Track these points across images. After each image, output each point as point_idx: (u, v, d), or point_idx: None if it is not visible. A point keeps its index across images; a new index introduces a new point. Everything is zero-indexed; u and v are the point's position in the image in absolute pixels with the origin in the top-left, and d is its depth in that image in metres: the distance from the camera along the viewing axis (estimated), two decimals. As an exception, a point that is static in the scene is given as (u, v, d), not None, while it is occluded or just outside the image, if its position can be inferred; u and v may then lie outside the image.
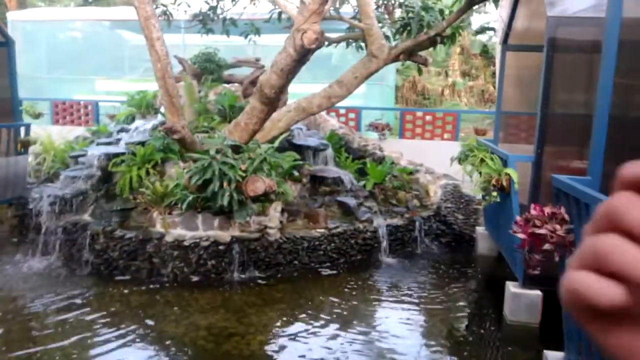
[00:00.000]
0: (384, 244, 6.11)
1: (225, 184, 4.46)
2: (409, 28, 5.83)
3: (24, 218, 6.65)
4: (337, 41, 6.34)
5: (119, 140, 6.83)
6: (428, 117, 8.77)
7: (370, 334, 4.31)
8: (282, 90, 4.51)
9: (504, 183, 4.77)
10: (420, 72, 7.03)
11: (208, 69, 7.59)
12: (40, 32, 15.34)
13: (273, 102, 4.55)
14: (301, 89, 8.25)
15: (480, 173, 5.25)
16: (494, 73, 27.19)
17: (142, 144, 6.27)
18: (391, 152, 7.73)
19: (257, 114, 4.70)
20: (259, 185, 4.53)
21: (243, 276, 5.32)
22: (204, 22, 8.59)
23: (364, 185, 6.90)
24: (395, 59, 6.02)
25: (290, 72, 4.30)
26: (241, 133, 4.84)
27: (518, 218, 3.49)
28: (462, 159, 5.79)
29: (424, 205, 7.06)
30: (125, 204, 5.77)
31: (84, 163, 6.34)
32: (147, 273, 5.26)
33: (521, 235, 3.32)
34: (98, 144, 6.90)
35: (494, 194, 4.87)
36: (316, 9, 3.80)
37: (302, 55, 4.15)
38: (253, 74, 7.94)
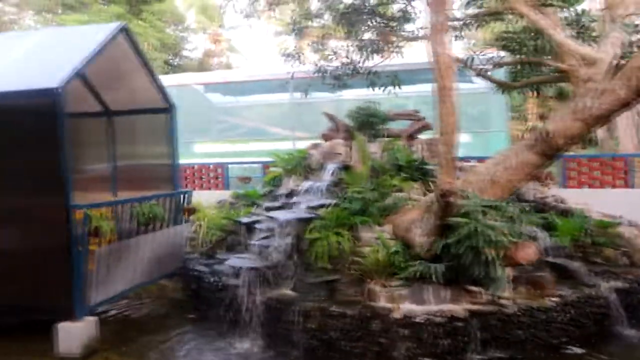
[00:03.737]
0: (619, 311, 5.24)
1: (490, 251, 3.83)
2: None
3: (196, 292, 6.20)
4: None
5: (291, 204, 6.39)
6: (594, 163, 8.00)
7: None
8: (577, 141, 3.94)
9: None
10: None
11: (369, 123, 7.18)
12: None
13: (556, 155, 3.98)
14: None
15: None
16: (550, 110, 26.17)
17: (326, 206, 5.79)
18: (575, 204, 6.95)
19: (528, 169, 4.13)
20: (530, 251, 3.90)
21: (482, 357, 4.58)
22: (339, 77, 8.34)
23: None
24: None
25: (601, 118, 3.75)
26: (498, 191, 4.27)
27: None
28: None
29: (635, 263, 6.17)
30: (327, 274, 5.21)
31: (265, 230, 5.88)
32: (375, 356, 4.60)
33: None
34: (269, 209, 6.48)
35: None
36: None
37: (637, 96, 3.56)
38: (413, 126, 7.48)
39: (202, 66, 30.64)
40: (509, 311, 4.70)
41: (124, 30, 5.54)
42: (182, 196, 6.84)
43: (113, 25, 5.44)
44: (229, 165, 10.15)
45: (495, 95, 8.17)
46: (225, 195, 9.22)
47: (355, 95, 11.81)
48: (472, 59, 6.27)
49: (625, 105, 3.71)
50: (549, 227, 6.63)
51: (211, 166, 10.10)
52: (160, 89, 6.43)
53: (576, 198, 7.26)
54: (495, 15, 5.02)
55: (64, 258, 4.87)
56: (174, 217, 6.65)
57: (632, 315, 5.40)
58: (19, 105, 4.72)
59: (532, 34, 5.15)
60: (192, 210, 6.85)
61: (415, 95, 13.05)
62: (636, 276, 5.76)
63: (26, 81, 4.77)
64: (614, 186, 7.87)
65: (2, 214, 5.08)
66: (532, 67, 5.99)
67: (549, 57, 5.45)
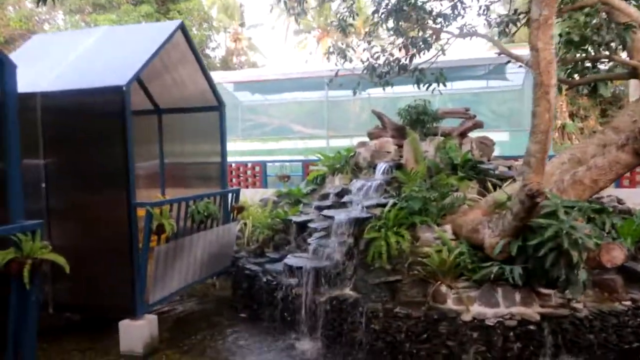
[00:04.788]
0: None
1: (576, 253, 3.69)
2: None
3: (248, 291, 6.16)
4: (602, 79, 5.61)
5: (342, 203, 6.30)
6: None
7: None
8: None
9: None
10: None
11: (420, 121, 7.06)
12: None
13: None
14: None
15: None
16: (603, 111, 25.61)
17: (383, 205, 5.70)
18: (633, 204, 6.75)
19: (618, 169, 3.99)
20: (616, 254, 3.75)
21: (547, 360, 4.45)
22: (382, 75, 8.20)
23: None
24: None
25: None
26: (579, 191, 4.13)
27: None
28: None
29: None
30: (387, 275, 5.12)
31: (320, 229, 5.81)
32: (442, 359, 4.50)
33: None
34: (320, 208, 6.41)
35: None
36: None
37: None
38: (464, 125, 7.34)
39: (224, 64, 30.78)
40: (580, 315, 4.57)
41: (181, 29, 5.52)
42: (230, 194, 6.82)
43: (172, 24, 5.43)
44: (268, 164, 10.11)
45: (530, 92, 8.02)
46: (264, 193, 9.19)
47: (385, 94, 11.70)
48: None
49: None
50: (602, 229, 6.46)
51: (249, 164, 10.06)
52: (212, 87, 6.40)
53: (633, 198, 7.06)
54: (579, 9, 4.86)
55: (127, 256, 4.87)
56: (224, 215, 6.63)
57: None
58: (84, 103, 4.72)
59: (597, 29, 4.98)
60: (240, 209, 6.82)
61: (452, 93, 12.90)
62: None
63: (90, 80, 4.77)
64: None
65: (66, 210, 5.10)
66: (592, 64, 5.81)
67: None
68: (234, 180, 9.94)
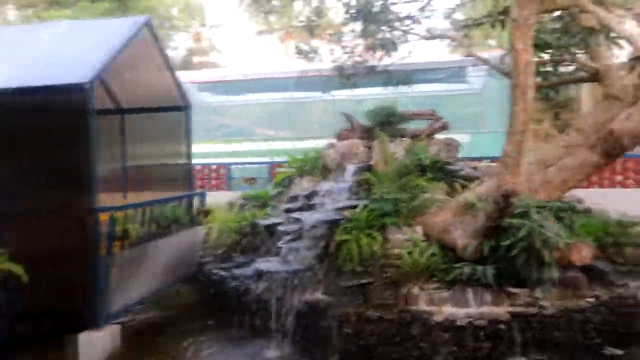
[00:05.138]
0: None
1: (547, 252, 3.76)
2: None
3: (215, 297, 6.00)
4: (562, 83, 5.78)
5: (313, 205, 6.23)
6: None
7: None
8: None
9: None
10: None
11: (389, 123, 7.07)
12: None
13: (620, 155, 3.95)
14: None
15: None
16: (556, 115, 26.62)
17: (354, 207, 5.67)
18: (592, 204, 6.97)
19: (588, 170, 4.08)
20: (585, 253, 3.84)
21: (524, 360, 4.52)
22: (347, 75, 8.22)
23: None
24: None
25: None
26: (551, 192, 4.21)
27: None
28: None
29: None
30: (359, 277, 5.08)
31: (290, 232, 5.72)
32: (416, 361, 4.50)
33: None
34: (289, 210, 6.31)
35: None
36: None
37: None
38: (431, 127, 7.40)
39: (185, 65, 30.19)
40: (547, 312, 4.66)
41: (147, 25, 5.31)
42: (196, 198, 6.63)
43: (137, 20, 5.22)
44: (231, 166, 9.92)
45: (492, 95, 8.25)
46: (229, 196, 9.00)
47: (350, 96, 11.74)
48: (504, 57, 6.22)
49: None
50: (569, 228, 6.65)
51: (214, 166, 9.85)
52: (179, 87, 6.21)
53: (591, 198, 7.30)
54: (550, 12, 4.97)
55: (88, 263, 4.63)
56: (190, 219, 6.43)
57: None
58: (44, 101, 4.47)
59: (563, 33, 5.13)
60: (207, 212, 6.64)
61: (415, 96, 13.05)
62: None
63: (49, 76, 4.51)
64: (624, 186, 7.95)
65: (24, 215, 4.81)
66: (554, 67, 5.97)
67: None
68: (199, 182, 9.71)
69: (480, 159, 8.84)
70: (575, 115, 9.90)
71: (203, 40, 34.40)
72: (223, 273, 6.04)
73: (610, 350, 4.76)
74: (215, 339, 5.40)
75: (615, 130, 4.00)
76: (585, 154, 4.05)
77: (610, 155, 4.06)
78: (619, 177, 8.00)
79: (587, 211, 6.84)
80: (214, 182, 9.68)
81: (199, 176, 9.77)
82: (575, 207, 4.37)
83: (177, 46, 30.45)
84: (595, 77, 5.24)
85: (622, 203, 7.01)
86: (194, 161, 6.67)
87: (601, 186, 8.04)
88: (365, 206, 5.46)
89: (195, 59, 33.22)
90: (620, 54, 6.21)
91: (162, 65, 5.92)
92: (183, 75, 15.31)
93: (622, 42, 5.16)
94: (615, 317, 5.02)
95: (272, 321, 5.00)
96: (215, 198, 8.88)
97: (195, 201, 6.65)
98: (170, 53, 27.44)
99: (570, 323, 4.75)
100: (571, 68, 5.95)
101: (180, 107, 6.40)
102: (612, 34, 4.94)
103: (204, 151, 14.81)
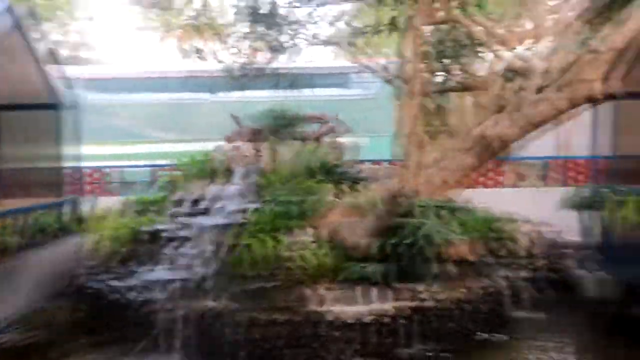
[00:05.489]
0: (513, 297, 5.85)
1: (431, 250, 4.04)
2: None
3: (98, 312, 5.53)
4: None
5: (201, 209, 6.01)
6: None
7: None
8: (511, 144, 4.26)
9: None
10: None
11: (279, 125, 7.08)
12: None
13: (492, 157, 4.29)
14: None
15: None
16: (427, 122, 28.80)
17: (244, 211, 5.59)
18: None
19: (465, 171, 4.39)
20: (463, 249, 4.18)
21: (411, 351, 4.80)
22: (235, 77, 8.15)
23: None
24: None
25: (538, 125, 4.09)
26: (432, 191, 4.48)
27: None
28: (583, 204, 5.82)
29: (532, 254, 6.94)
30: (252, 282, 5.01)
31: (178, 238, 5.46)
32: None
33: None
34: (176, 215, 6.03)
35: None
36: (609, 59, 3.69)
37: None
38: (320, 130, 7.55)
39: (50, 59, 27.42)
40: (430, 305, 4.99)
41: (9, 11, 4.72)
42: (71, 204, 6.07)
43: (-4, 5, 4.61)
44: (109, 170, 9.23)
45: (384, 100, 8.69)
46: (110, 201, 8.38)
47: (240, 97, 11.61)
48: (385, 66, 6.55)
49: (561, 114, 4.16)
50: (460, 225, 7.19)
51: (91, 170, 9.11)
52: (49, 83, 5.61)
53: (477, 198, 8.01)
54: (441, 24, 5.30)
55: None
56: (64, 228, 5.86)
57: (525, 299, 6.09)
58: None
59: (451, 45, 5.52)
60: (81, 220, 6.11)
61: (314, 100, 13.25)
62: (535, 266, 6.50)
63: None
64: (485, 186, 8.83)
65: None
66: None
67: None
68: (88, 187, 8.87)
69: (379, 162, 9.18)
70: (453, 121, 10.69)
71: (72, 33, 31.64)
72: (104, 286, 5.60)
73: (480, 335, 5.26)
74: (98, 356, 4.98)
75: (487, 135, 4.43)
76: (462, 156, 4.44)
77: (483, 158, 4.48)
78: (500, 178, 8.90)
79: (474, 210, 7.49)
80: (91, 187, 8.92)
81: (88, 180, 8.93)
82: (461, 207, 4.73)
83: (42, 37, 27.62)
84: (467, 87, 5.76)
85: (503, 202, 7.82)
86: (86, 164, 6.09)
87: (486, 187, 8.86)
88: (256, 209, 5.42)
89: (64, 53, 30.45)
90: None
91: (29, 57, 5.31)
92: (68, 71, 14.02)
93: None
94: (485, 305, 5.57)
95: (161, 334, 4.73)
96: (108, 203, 8.20)
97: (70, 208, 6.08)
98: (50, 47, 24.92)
99: (449, 313, 5.15)
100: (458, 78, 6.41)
101: (51, 105, 5.79)
102: (479, 49, 5.46)
103: (97, 154, 13.62)
